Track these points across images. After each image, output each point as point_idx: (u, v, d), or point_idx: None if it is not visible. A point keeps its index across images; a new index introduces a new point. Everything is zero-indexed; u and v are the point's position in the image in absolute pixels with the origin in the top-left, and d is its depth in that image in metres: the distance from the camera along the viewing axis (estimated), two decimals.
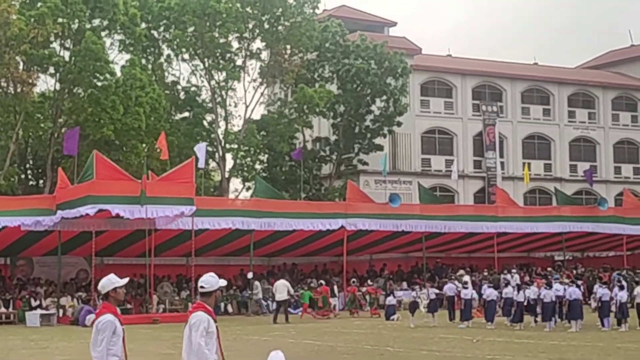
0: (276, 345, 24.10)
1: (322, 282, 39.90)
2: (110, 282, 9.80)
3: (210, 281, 9.74)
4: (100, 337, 9.57)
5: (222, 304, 40.89)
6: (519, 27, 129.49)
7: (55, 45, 46.86)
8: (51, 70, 46.67)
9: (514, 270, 42.30)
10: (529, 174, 57.13)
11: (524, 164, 61.83)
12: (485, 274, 43.35)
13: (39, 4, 45.22)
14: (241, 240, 40.75)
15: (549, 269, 45.24)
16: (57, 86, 47.49)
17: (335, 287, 41.52)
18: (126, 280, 10.02)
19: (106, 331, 9.54)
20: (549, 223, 46.84)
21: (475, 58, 68.86)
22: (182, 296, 39.79)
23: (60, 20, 44.90)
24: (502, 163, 65.31)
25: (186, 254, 39.24)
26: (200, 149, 41.19)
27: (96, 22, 47.20)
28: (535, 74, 69.23)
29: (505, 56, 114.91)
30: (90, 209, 32.98)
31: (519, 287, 31.82)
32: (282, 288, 36.03)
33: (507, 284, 34.29)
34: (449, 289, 34.76)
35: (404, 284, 45.36)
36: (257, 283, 40.47)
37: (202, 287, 9.71)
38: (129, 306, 38.24)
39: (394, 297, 38.42)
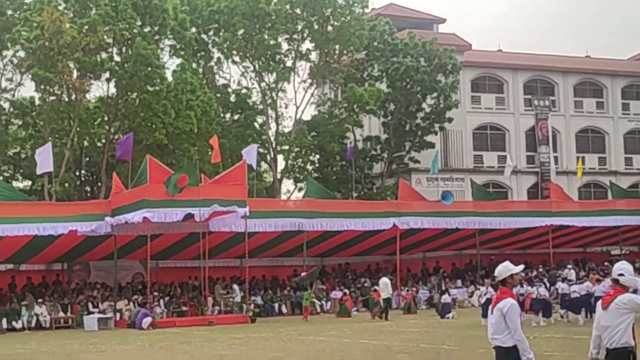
0: (331, 345, 24.15)
1: (376, 288, 39.69)
2: (507, 269, 10.47)
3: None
4: (511, 319, 10.16)
5: (277, 305, 41.39)
6: (570, 19, 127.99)
7: (108, 52, 47.32)
8: (104, 76, 47.17)
9: (569, 266, 41.87)
10: (583, 168, 56.51)
11: (577, 158, 61.28)
12: (540, 269, 42.93)
13: (91, 12, 45.78)
14: (294, 240, 40.91)
15: (605, 263, 44.62)
16: (111, 92, 47.95)
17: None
18: (522, 267, 10.69)
19: (514, 313, 10.15)
20: (604, 217, 46.36)
21: (526, 52, 68.12)
22: (237, 299, 39.90)
23: (111, 27, 45.33)
24: (555, 158, 64.67)
25: (240, 255, 39.41)
26: (251, 150, 41.39)
27: (147, 28, 47.60)
28: (587, 67, 68.37)
29: (556, 49, 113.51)
30: (146, 214, 33.20)
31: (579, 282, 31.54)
32: (385, 286, 36.32)
33: (565, 279, 33.84)
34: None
35: (459, 282, 45.38)
36: (235, 286, 40.49)
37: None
38: (184, 308, 38.83)
39: (449, 295, 38.45)
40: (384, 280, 36.79)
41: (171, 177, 33.60)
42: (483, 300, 31.41)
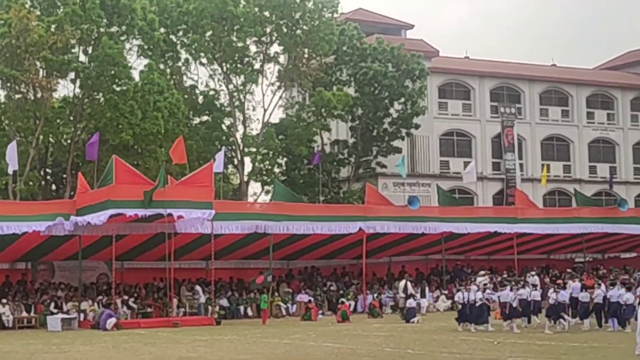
0: (296, 348, 24.15)
1: (344, 300, 40.11)
2: None
3: None
4: None
5: (242, 307, 41.40)
6: (537, 28, 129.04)
7: (75, 51, 46.97)
8: (71, 75, 46.82)
9: (533, 272, 42.07)
10: (548, 176, 56.85)
11: (543, 165, 61.67)
12: (505, 275, 43.15)
13: (59, 11, 45.43)
14: (260, 243, 40.83)
15: (568, 270, 45.02)
16: (77, 91, 47.62)
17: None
18: None
19: None
20: (569, 224, 46.66)
21: (492, 60, 68.63)
22: (202, 300, 39.79)
23: (78, 26, 44.99)
24: (521, 165, 65.03)
25: (206, 257, 39.31)
26: (220, 155, 41.38)
27: (114, 27, 47.27)
28: (553, 75, 68.93)
29: (523, 57, 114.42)
30: (109, 214, 33.06)
31: (543, 289, 31.83)
32: (403, 288, 36.90)
33: (526, 285, 34.00)
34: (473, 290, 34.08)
35: (423, 285, 45.17)
36: (197, 287, 40.47)
37: None
38: (149, 310, 38.69)
39: (414, 299, 38.34)
40: (403, 283, 37.37)
41: (150, 191, 33.50)
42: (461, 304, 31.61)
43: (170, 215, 34.10)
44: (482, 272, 42.20)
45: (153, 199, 33.44)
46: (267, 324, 35.86)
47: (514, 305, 30.28)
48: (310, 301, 40.40)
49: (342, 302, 39.56)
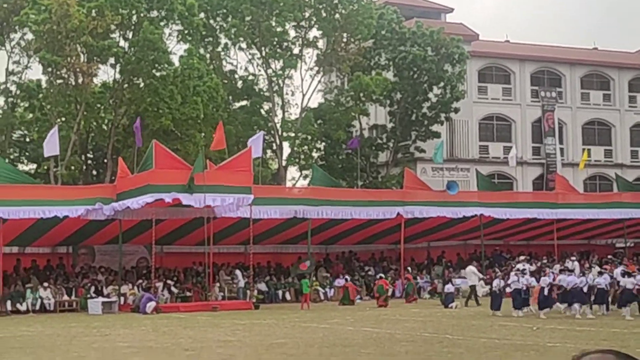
0: (334, 333, 24.18)
1: (382, 275, 39.90)
2: None
3: None
4: None
5: (280, 291, 41.73)
6: (578, 11, 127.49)
7: (115, 36, 47.25)
8: (111, 61, 47.12)
9: (573, 257, 41.67)
10: (588, 160, 56.38)
11: (583, 150, 61.03)
12: (545, 261, 42.92)
13: None
14: (298, 227, 40.95)
15: (609, 256, 44.54)
16: (117, 77, 47.89)
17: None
18: None
19: None
20: (610, 209, 46.23)
21: (533, 43, 67.89)
22: (240, 285, 40.00)
23: (119, 11, 45.22)
24: (561, 149, 64.64)
25: (244, 241, 39.44)
26: (258, 139, 41.45)
27: (154, 12, 47.45)
28: (594, 59, 68.18)
29: (564, 41, 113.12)
30: (149, 198, 33.27)
31: (583, 274, 31.48)
32: (470, 274, 36.90)
33: (572, 271, 33.72)
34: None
35: (462, 272, 45.02)
36: (236, 272, 40.68)
37: None
38: (188, 294, 39.01)
39: (453, 284, 38.52)
40: (471, 269, 37.36)
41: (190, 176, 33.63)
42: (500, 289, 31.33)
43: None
44: (522, 257, 41.92)
45: (195, 184, 33.62)
46: (305, 308, 36.04)
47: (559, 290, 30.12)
48: (347, 280, 40.37)
49: (380, 277, 39.36)
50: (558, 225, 45.87)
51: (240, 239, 40.64)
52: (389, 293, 39.98)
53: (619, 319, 28.33)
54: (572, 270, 33.32)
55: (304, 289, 37.48)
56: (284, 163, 55.72)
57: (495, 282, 32.27)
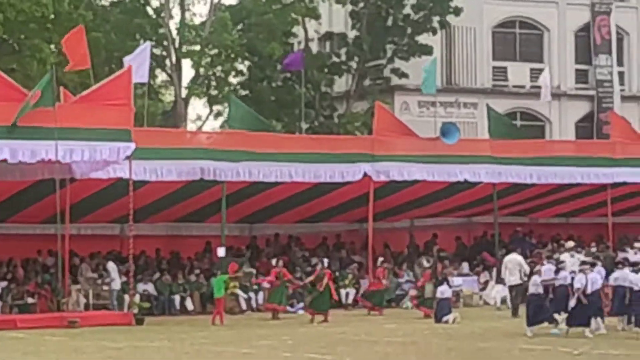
0: None
1: (323, 262, 39.74)
2: None
3: None
4: None
5: (178, 297, 41.54)
6: None
7: None
8: None
9: (638, 244, 42.10)
10: None
11: None
12: (593, 249, 42.98)
13: None
14: (206, 195, 40.96)
15: None
16: None
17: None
18: None
19: None
20: None
21: None
22: (115, 286, 39.92)
23: None
24: (621, 74, 65.16)
25: (120, 218, 39.30)
26: (142, 54, 41.11)
27: None
28: None
29: None
30: None
31: None
32: (514, 266, 37.02)
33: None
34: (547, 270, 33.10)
35: (465, 266, 45.81)
36: (108, 266, 40.65)
37: None
38: (30, 301, 38.60)
39: (450, 286, 38.37)
40: (514, 258, 37.36)
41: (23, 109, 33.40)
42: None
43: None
44: (571, 244, 42.07)
45: (37, 125, 33.48)
46: (218, 323, 35.93)
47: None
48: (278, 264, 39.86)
49: (322, 268, 38.87)
50: (614, 192, 46.11)
51: (114, 214, 40.42)
52: (347, 298, 40.95)
53: None
54: (637, 264, 33.52)
55: (217, 291, 37.32)
56: (183, 93, 55.63)
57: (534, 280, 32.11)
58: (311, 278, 38.56)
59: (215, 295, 37.46)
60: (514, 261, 37.37)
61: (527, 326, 30.63)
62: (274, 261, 40.52)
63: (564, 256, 37.62)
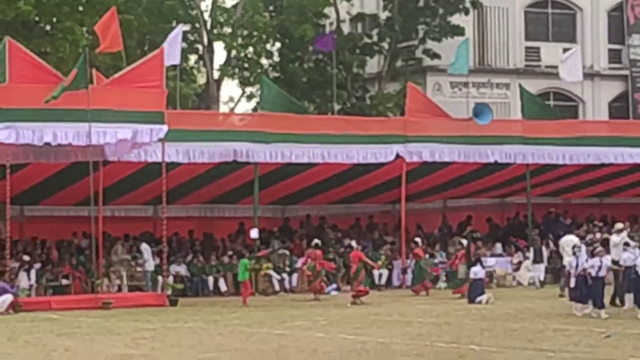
0: (296, 342, 24.17)
1: (353, 244, 39.75)
2: None
3: None
4: None
5: (211, 278, 41.85)
6: None
7: None
8: None
9: None
10: None
11: None
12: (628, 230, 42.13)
13: None
14: (238, 176, 41.29)
15: None
16: None
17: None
18: None
19: None
20: None
21: None
22: (148, 267, 40.13)
23: None
24: None
25: (153, 200, 39.56)
26: (175, 38, 41.50)
27: None
28: None
29: None
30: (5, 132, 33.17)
31: None
32: (570, 248, 35.95)
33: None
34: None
35: (498, 247, 45.84)
36: (143, 247, 40.81)
37: None
38: (64, 282, 38.86)
39: (483, 267, 38.32)
40: (570, 240, 36.81)
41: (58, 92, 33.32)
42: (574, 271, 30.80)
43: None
44: (620, 226, 41.58)
45: (70, 107, 33.52)
46: (251, 303, 35.87)
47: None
48: (317, 245, 39.40)
49: (351, 249, 39.01)
50: None
51: (146, 196, 40.71)
52: (380, 279, 41.06)
53: None
54: None
55: (241, 273, 37.36)
56: (216, 75, 55.59)
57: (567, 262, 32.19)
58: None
59: (240, 278, 37.47)
60: (570, 242, 36.62)
61: (578, 303, 30.45)
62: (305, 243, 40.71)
63: (614, 237, 37.18)
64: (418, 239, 41.40)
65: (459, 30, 58.12)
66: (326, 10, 58.89)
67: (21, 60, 33.92)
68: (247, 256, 38.92)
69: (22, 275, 37.56)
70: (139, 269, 40.27)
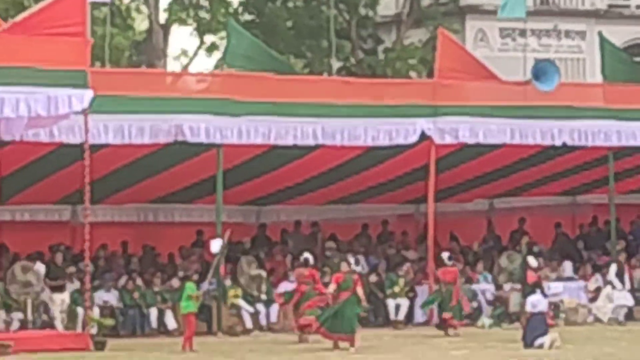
0: None
1: (307, 257, 36.92)
2: None
3: None
4: None
5: (154, 310, 39.31)
6: None
7: None
8: None
9: None
10: None
11: None
12: None
13: None
14: (194, 166, 38.64)
15: None
16: None
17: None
18: None
19: None
20: None
21: None
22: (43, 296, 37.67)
23: None
24: None
25: (71, 196, 38.14)
26: None
27: None
28: None
29: None
30: None
31: None
32: None
33: None
34: None
35: (567, 266, 43.61)
36: (38, 267, 38.62)
37: None
38: None
39: (544, 295, 36.41)
40: None
41: None
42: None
43: None
44: None
45: None
46: (209, 347, 33.50)
47: None
48: (307, 261, 37.02)
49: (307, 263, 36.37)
50: None
51: (61, 192, 38.95)
52: (398, 312, 39.45)
53: None
54: None
55: (184, 302, 34.18)
56: (162, 18, 54.84)
57: None
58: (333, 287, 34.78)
59: (182, 311, 34.62)
60: None
61: None
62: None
63: None
64: (445, 254, 38.53)
65: None
66: None
67: None
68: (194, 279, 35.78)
69: None
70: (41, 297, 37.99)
